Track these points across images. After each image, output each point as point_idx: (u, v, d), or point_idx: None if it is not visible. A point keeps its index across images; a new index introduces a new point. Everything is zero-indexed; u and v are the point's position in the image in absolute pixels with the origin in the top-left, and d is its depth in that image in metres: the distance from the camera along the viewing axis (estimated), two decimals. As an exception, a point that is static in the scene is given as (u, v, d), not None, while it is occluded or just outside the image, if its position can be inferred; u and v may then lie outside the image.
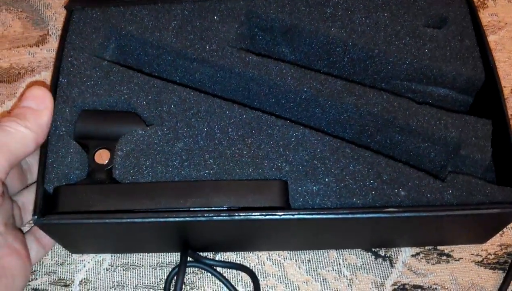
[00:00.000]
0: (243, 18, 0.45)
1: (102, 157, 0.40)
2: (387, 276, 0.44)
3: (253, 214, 0.36)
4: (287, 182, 0.38)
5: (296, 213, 0.36)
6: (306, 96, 0.42)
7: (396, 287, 0.44)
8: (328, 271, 0.45)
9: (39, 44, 0.57)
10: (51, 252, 0.45)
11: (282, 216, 0.36)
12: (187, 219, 0.36)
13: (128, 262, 0.45)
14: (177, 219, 0.36)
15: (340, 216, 0.36)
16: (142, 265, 0.45)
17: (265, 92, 0.44)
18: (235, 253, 0.45)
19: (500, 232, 0.45)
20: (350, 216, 0.36)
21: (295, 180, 0.38)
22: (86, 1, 0.47)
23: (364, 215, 0.36)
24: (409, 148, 0.41)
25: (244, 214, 0.36)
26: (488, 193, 0.37)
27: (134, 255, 0.45)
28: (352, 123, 0.42)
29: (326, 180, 0.38)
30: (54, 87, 0.42)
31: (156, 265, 0.45)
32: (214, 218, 0.36)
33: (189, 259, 0.43)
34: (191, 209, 0.37)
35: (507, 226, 0.46)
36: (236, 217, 0.36)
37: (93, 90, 0.42)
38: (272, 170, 0.38)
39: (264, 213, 0.36)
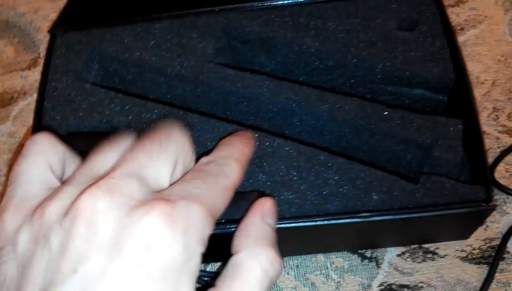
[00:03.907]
0: (220, 32, 0.47)
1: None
2: (374, 277, 0.45)
3: (231, 226, 0.37)
4: (264, 192, 0.39)
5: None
6: (282, 106, 0.43)
7: (382, 287, 0.45)
8: (316, 275, 0.46)
9: (30, 67, 0.59)
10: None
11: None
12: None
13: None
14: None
15: (314, 223, 0.37)
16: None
17: (244, 104, 0.45)
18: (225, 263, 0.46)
19: (484, 226, 0.46)
20: (325, 222, 0.37)
21: (272, 190, 0.39)
22: (69, 25, 0.49)
23: (338, 221, 0.37)
24: (386, 151, 0.42)
25: (221, 227, 0.37)
26: (460, 192, 0.37)
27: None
28: (329, 130, 0.43)
29: (302, 188, 0.39)
30: (39, 112, 0.43)
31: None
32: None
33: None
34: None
35: (491, 220, 0.46)
36: (215, 231, 0.37)
37: (76, 114, 0.43)
38: (249, 181, 0.39)
39: (242, 224, 0.37)
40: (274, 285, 0.26)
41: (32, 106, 0.57)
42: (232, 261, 0.26)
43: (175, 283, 0.22)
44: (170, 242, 0.22)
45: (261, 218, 0.29)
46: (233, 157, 0.29)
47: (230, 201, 0.32)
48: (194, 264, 0.23)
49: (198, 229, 0.24)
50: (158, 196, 0.24)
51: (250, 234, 0.27)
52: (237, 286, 0.24)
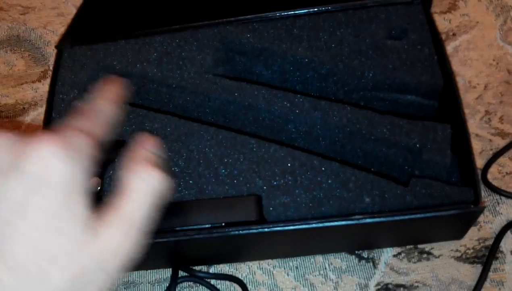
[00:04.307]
0: (218, 45, 0.49)
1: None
2: (371, 277, 0.47)
3: (230, 230, 0.39)
4: (261, 197, 0.41)
5: (267, 226, 0.39)
6: (278, 114, 0.45)
7: (379, 287, 0.46)
8: (315, 276, 0.47)
9: (40, 79, 0.62)
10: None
11: (258, 230, 0.39)
12: (171, 239, 0.40)
13: (128, 280, 0.48)
14: (161, 240, 0.40)
15: (309, 226, 0.39)
16: (141, 282, 0.48)
17: (242, 112, 0.47)
18: (228, 264, 0.48)
19: (478, 227, 0.47)
20: (320, 224, 0.39)
21: (268, 194, 0.41)
22: (74, 40, 0.51)
23: (331, 223, 0.38)
24: (378, 155, 0.43)
25: (221, 230, 0.39)
26: (448, 194, 0.39)
27: (134, 273, 0.49)
28: (324, 136, 0.44)
29: (297, 191, 0.40)
30: (47, 122, 0.46)
31: (155, 281, 0.48)
32: (195, 236, 0.39)
33: (183, 273, 0.46)
34: (176, 229, 0.40)
35: (484, 220, 0.48)
36: (215, 234, 0.39)
37: (82, 124, 0.45)
38: (246, 186, 0.41)
39: (240, 228, 0.39)
40: (162, 197, 0.28)
41: (43, 116, 0.60)
42: (122, 181, 0.29)
43: (71, 195, 0.25)
44: (62, 159, 0.25)
45: (142, 147, 0.32)
46: (106, 98, 0.33)
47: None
48: (85, 178, 0.27)
49: (84, 149, 0.27)
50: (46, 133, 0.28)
51: (134, 159, 0.30)
52: (127, 201, 0.27)
